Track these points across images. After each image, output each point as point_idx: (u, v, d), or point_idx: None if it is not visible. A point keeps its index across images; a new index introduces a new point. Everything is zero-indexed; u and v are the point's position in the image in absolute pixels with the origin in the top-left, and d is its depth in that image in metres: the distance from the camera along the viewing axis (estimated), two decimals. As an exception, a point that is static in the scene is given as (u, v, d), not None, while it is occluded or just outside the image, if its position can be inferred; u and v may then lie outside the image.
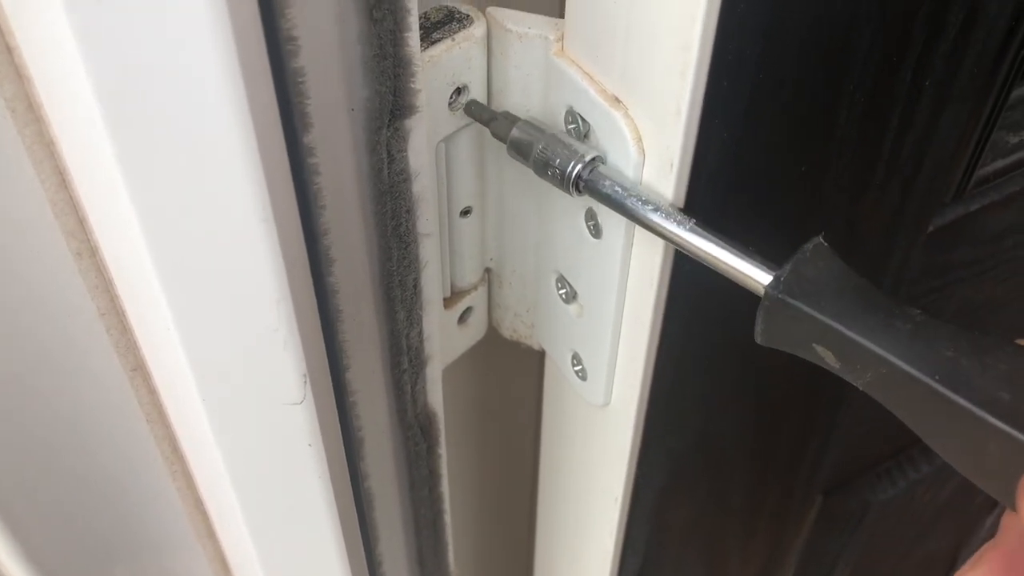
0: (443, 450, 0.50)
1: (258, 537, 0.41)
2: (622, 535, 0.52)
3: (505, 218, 0.45)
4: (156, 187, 0.27)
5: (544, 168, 0.36)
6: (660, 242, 0.36)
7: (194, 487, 0.42)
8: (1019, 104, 0.48)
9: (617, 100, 0.35)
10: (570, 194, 0.36)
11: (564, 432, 0.52)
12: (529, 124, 0.37)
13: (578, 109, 0.37)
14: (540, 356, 0.52)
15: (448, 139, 0.40)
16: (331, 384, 0.36)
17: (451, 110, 0.38)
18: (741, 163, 0.34)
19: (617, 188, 0.34)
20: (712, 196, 0.35)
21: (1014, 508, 0.25)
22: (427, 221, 0.38)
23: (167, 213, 0.27)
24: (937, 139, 0.41)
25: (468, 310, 0.49)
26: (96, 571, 0.43)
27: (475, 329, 0.50)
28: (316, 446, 0.36)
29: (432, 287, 0.42)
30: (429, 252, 0.40)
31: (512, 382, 0.58)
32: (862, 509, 0.75)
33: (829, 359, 0.29)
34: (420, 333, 0.43)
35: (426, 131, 0.36)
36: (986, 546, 0.29)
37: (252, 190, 0.26)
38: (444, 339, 0.48)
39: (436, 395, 0.47)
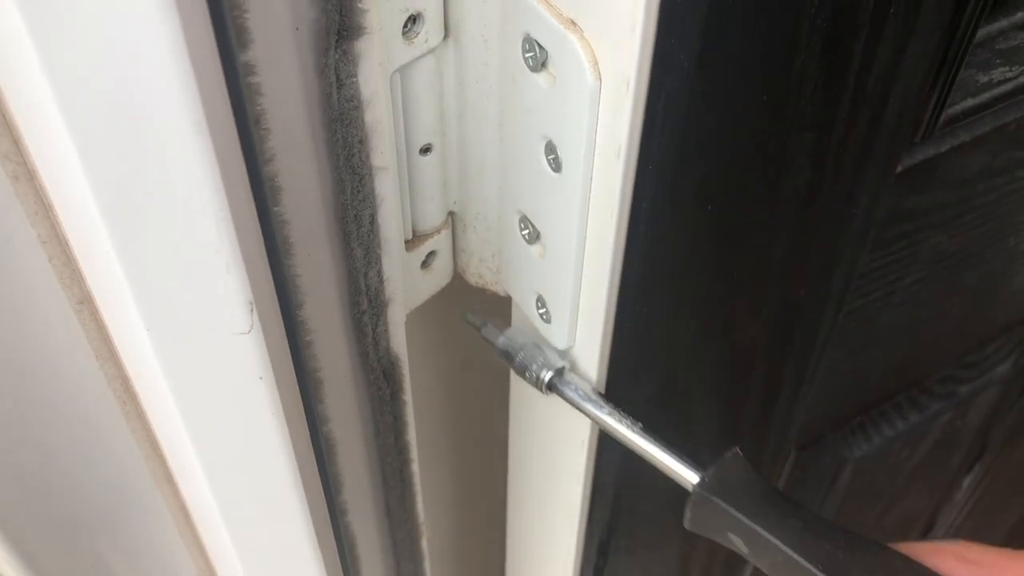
0: (408, 397, 0.49)
1: (214, 479, 0.41)
2: (590, 483, 0.51)
3: (467, 158, 0.45)
4: (86, 97, 0.26)
5: (523, 371, 0.45)
6: (619, 169, 0.35)
7: (149, 429, 0.42)
8: (988, 42, 0.47)
9: (573, 23, 0.34)
10: (542, 392, 0.45)
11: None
12: (511, 336, 0.47)
13: (535, 36, 0.36)
14: (508, 303, 0.51)
15: (403, 70, 0.39)
16: (281, 317, 0.35)
17: (405, 39, 0.37)
18: (700, 85, 0.34)
19: (579, 392, 0.44)
20: (671, 120, 0.34)
21: None
22: (382, 154, 0.38)
23: (100, 126, 0.27)
24: (904, 71, 0.40)
25: (432, 254, 0.48)
26: (46, 520, 0.42)
27: (439, 274, 0.50)
28: (267, 379, 0.35)
29: (391, 226, 0.41)
30: (386, 188, 0.39)
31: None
32: (837, 465, 0.75)
33: (740, 545, 0.37)
34: (379, 273, 0.42)
35: (378, 58, 0.35)
36: None
37: (183, 99, 0.25)
38: (407, 283, 0.47)
39: (399, 339, 0.46)
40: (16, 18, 0.24)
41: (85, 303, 0.36)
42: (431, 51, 0.39)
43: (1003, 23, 0.46)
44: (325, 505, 0.46)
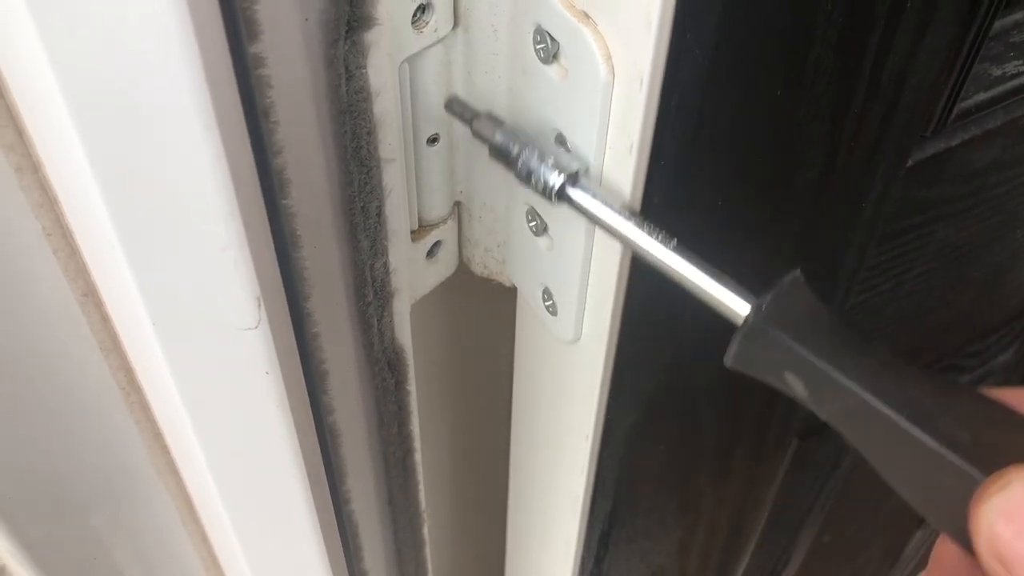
0: (412, 387, 0.49)
1: (217, 470, 0.40)
2: (592, 475, 0.51)
3: (475, 148, 0.44)
4: (93, 89, 0.25)
5: (528, 177, 0.36)
6: (631, 164, 0.35)
7: (153, 420, 0.41)
8: (1002, 35, 0.46)
9: (586, 16, 0.33)
10: (551, 202, 0.36)
11: (536, 370, 0.51)
12: (511, 131, 0.37)
13: (546, 27, 0.35)
14: (513, 293, 0.51)
15: (412, 59, 0.38)
16: (288, 311, 0.35)
17: (415, 28, 0.37)
18: (714, 81, 0.33)
19: (597, 201, 0.35)
20: (684, 117, 0.34)
21: (958, 540, 0.27)
22: (390, 146, 0.37)
23: (106, 119, 0.26)
24: (917, 66, 0.39)
25: (437, 244, 0.48)
26: (51, 510, 0.42)
27: (445, 264, 0.49)
28: (274, 374, 0.35)
29: (398, 217, 0.40)
30: (393, 179, 0.39)
31: (486, 320, 0.57)
32: (837, 454, 0.75)
33: (798, 388, 0.31)
34: (386, 264, 0.41)
35: (387, 49, 0.34)
36: (923, 574, 0.32)
37: (192, 94, 0.25)
38: (412, 273, 0.47)
39: (404, 329, 0.46)
40: (22, 7, 0.23)
41: (90, 295, 0.35)
42: (440, 40, 0.38)
43: (1018, 16, 0.46)
44: (328, 494, 0.46)
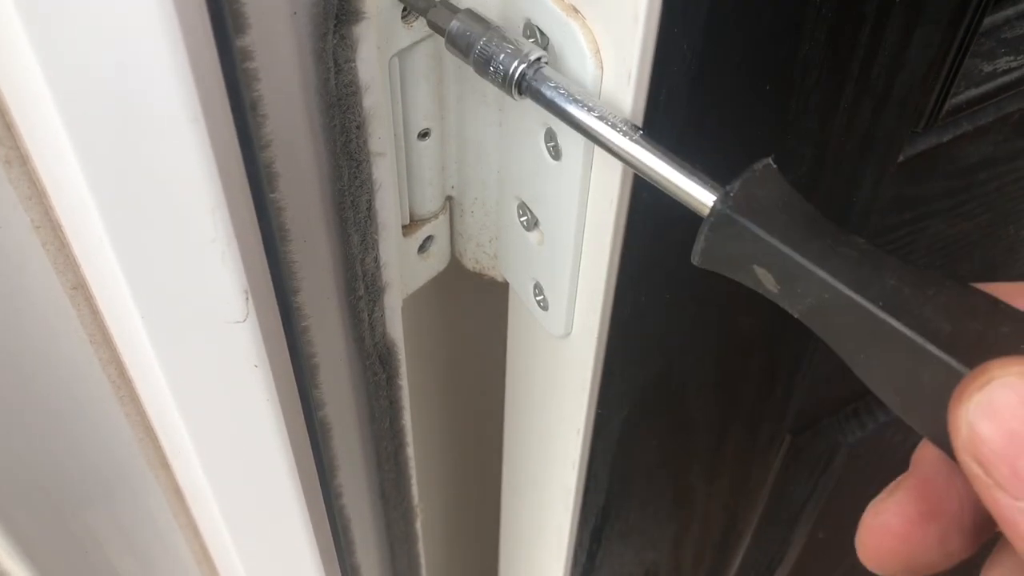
0: (404, 381, 0.49)
1: (208, 464, 0.40)
2: (584, 470, 0.51)
3: (466, 142, 0.44)
4: (81, 86, 0.25)
5: (485, 66, 0.33)
6: (618, 165, 0.35)
7: (144, 413, 0.41)
8: (993, 31, 0.46)
9: (575, 9, 0.33)
10: (512, 96, 0.33)
11: (527, 364, 0.52)
12: (470, 15, 0.34)
13: (536, 21, 0.35)
14: (505, 288, 0.51)
15: (402, 54, 0.38)
16: (277, 304, 0.35)
17: (404, 22, 0.37)
18: (703, 77, 0.33)
19: (561, 91, 0.32)
20: (673, 111, 0.34)
21: (939, 442, 0.25)
22: (380, 139, 0.37)
23: (93, 112, 0.26)
24: (908, 61, 0.39)
25: (429, 239, 0.48)
26: (43, 504, 0.42)
27: (437, 259, 0.49)
28: (263, 367, 0.35)
29: (388, 211, 0.40)
30: (384, 173, 0.39)
31: (477, 315, 0.57)
32: (831, 450, 0.75)
33: (768, 283, 0.29)
34: (376, 259, 0.41)
35: (376, 42, 0.34)
36: (901, 476, 0.30)
37: (178, 87, 0.25)
38: (404, 268, 0.47)
39: (395, 324, 0.46)
40: (17, 19, 0.24)
41: (79, 288, 0.35)
42: (430, 35, 0.38)
43: (1009, 12, 0.46)
44: (320, 489, 0.46)
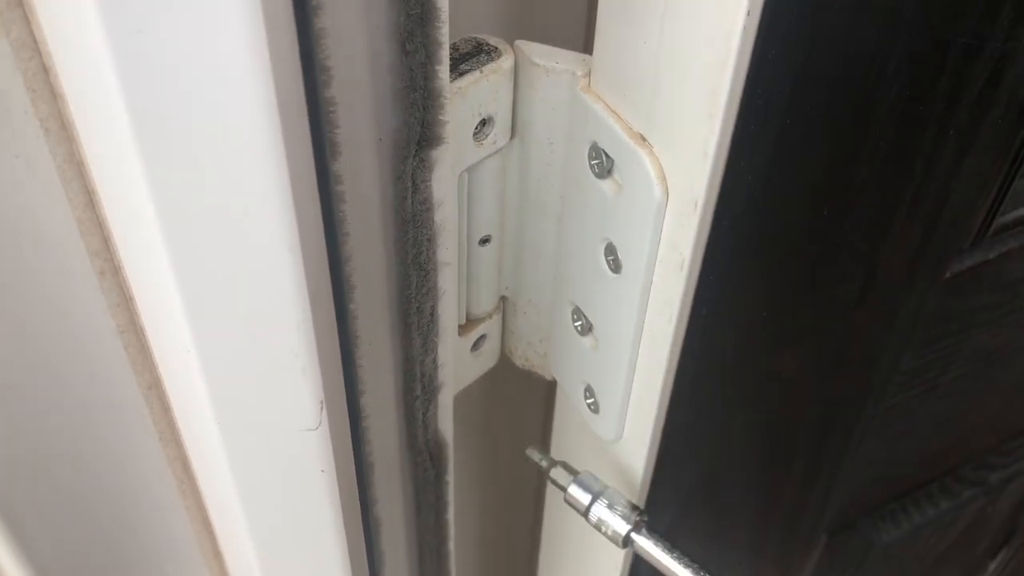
0: (451, 477, 0.50)
1: (265, 560, 0.41)
2: (628, 568, 0.51)
3: (523, 248, 0.45)
4: (185, 211, 0.27)
5: (598, 526, 0.43)
6: (682, 279, 0.36)
7: (203, 507, 0.42)
8: (1040, 154, 0.48)
9: (643, 138, 0.35)
10: (620, 548, 0.42)
11: (573, 464, 0.52)
12: (588, 478, 0.44)
13: (603, 145, 0.37)
14: (550, 386, 0.51)
15: (471, 169, 0.40)
16: (347, 410, 0.36)
17: (475, 140, 0.39)
18: (764, 206, 0.34)
19: (660, 546, 0.41)
20: (734, 237, 0.35)
21: None
22: (447, 250, 0.39)
23: (194, 237, 0.27)
24: (958, 187, 0.41)
25: (482, 338, 0.49)
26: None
27: (488, 357, 0.50)
28: (329, 472, 0.36)
29: (449, 315, 0.42)
30: (448, 281, 0.40)
31: (522, 410, 0.58)
32: (865, 550, 0.74)
33: None
34: (435, 360, 0.43)
35: (451, 162, 0.36)
36: None
37: (281, 218, 0.26)
38: (457, 366, 0.48)
39: (447, 422, 0.46)
40: (129, 140, 0.25)
41: (154, 388, 0.36)
42: (498, 151, 0.40)
43: (1054, 136, 0.47)
44: (368, 584, 0.46)
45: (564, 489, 0.44)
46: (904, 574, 0.84)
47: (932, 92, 0.36)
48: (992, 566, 0.95)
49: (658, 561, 0.40)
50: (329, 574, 0.42)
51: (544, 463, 0.46)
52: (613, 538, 0.42)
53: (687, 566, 0.40)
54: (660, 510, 0.48)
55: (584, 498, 0.43)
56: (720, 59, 0.29)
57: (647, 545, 0.41)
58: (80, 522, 0.40)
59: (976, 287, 0.49)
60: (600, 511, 0.43)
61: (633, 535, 0.42)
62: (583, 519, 0.47)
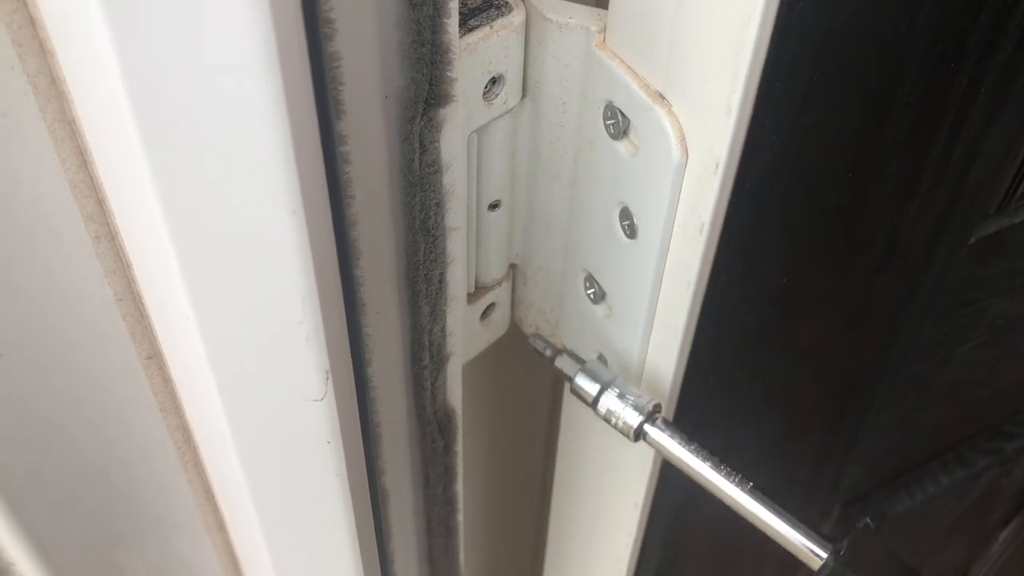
0: (460, 448, 0.49)
1: (269, 532, 0.40)
2: (640, 540, 0.51)
3: (534, 213, 0.44)
4: (182, 173, 0.26)
5: (607, 418, 0.39)
6: (700, 245, 0.34)
7: (206, 479, 0.41)
8: (1070, 115, 0.46)
9: (661, 96, 0.33)
10: (631, 441, 0.39)
11: (584, 435, 0.51)
12: (595, 366, 0.40)
13: (618, 104, 0.35)
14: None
15: (481, 130, 0.38)
16: (353, 380, 0.35)
17: (485, 100, 0.37)
18: (788, 167, 0.33)
19: (677, 439, 0.38)
20: (756, 200, 0.33)
21: None
22: (456, 215, 0.37)
23: (192, 201, 0.26)
24: (986, 149, 0.39)
25: (491, 306, 0.48)
26: (100, 554, 0.42)
27: (497, 326, 0.49)
28: (335, 443, 0.35)
29: (457, 283, 0.40)
30: (457, 247, 0.39)
31: (529, 379, 0.57)
32: (877, 520, 0.74)
33: None
34: (443, 329, 0.41)
35: (459, 122, 0.34)
36: None
37: (283, 180, 0.25)
38: (466, 335, 0.47)
39: (456, 392, 0.45)
40: (123, 96, 0.24)
41: (153, 358, 0.35)
42: (508, 111, 0.39)
43: (1084, 96, 0.45)
44: (376, 556, 0.46)
45: (571, 379, 0.40)
46: (915, 544, 0.83)
47: (962, 49, 0.34)
48: (1003, 535, 0.94)
49: (674, 456, 0.37)
50: (335, 547, 0.41)
51: (548, 352, 0.42)
52: (624, 430, 0.38)
53: (706, 459, 0.37)
54: (675, 477, 0.47)
55: (592, 388, 0.39)
56: (745, 11, 0.28)
57: (662, 439, 0.37)
58: (79, 495, 0.39)
59: (999, 253, 0.48)
60: (610, 402, 0.39)
61: (647, 427, 0.38)
62: (594, 501, 0.46)
